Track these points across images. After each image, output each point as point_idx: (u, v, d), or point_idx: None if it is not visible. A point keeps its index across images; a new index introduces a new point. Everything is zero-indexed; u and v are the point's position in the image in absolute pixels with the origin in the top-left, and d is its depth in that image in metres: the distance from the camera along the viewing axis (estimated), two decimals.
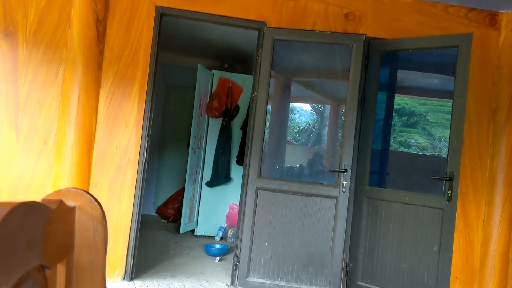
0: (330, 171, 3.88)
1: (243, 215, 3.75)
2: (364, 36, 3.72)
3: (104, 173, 3.62)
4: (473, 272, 4.03)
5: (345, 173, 3.67)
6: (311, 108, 5.85)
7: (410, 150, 6.44)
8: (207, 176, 5.72)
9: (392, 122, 4.64)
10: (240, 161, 5.62)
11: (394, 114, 4.72)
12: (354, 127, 3.71)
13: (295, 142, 5.74)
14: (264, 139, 3.88)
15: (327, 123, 5.11)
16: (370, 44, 3.87)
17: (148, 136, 3.71)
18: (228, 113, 5.72)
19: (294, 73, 4.82)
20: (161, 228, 5.91)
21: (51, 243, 0.91)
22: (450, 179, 3.43)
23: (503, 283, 4.01)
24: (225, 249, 4.81)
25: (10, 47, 3.50)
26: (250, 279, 3.70)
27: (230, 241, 5.35)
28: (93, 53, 3.54)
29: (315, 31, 3.82)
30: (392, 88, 4.42)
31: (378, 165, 4.24)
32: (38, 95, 3.53)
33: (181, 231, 5.49)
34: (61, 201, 0.97)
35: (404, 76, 4.72)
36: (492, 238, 3.99)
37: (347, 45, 3.79)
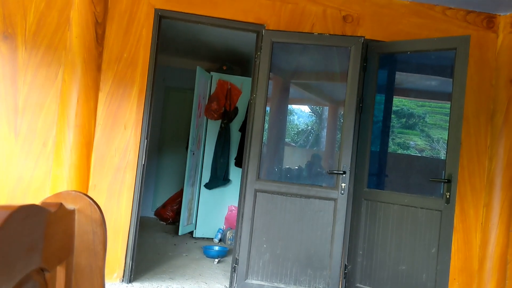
0: (328, 173, 3.88)
1: (242, 217, 3.76)
2: (363, 38, 3.74)
3: (103, 175, 3.62)
4: (471, 274, 4.04)
5: (344, 175, 3.67)
6: (309, 110, 5.86)
7: (408, 152, 6.45)
8: (206, 178, 5.73)
9: (391, 124, 4.66)
10: (238, 163, 5.62)
11: (392, 116, 4.74)
12: (353, 129, 3.72)
13: (293, 144, 5.75)
14: (263, 141, 3.88)
15: (326, 125, 5.12)
16: (368, 47, 3.88)
17: (147, 138, 3.71)
18: (226, 115, 5.73)
19: (293, 75, 4.83)
20: (160, 230, 5.91)
21: (50, 246, 0.92)
22: (449, 181, 3.44)
23: (501, 285, 4.02)
24: (224, 251, 4.81)
25: (9, 49, 3.51)
26: (248, 281, 3.70)
27: (229, 243, 5.36)
28: (92, 56, 3.55)
29: (313, 33, 3.83)
30: (390, 90, 4.44)
31: (376, 167, 4.25)
32: (37, 97, 3.53)
33: (179, 233, 5.49)
34: (61, 204, 0.97)
35: (403, 78, 4.73)
36: (490, 240, 4.00)
37: (345, 47, 3.80)
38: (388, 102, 4.40)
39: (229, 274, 3.87)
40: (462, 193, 4.00)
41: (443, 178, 3.53)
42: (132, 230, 3.67)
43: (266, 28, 3.86)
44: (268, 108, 4.35)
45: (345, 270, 3.84)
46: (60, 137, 3.51)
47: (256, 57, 3.85)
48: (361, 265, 3.81)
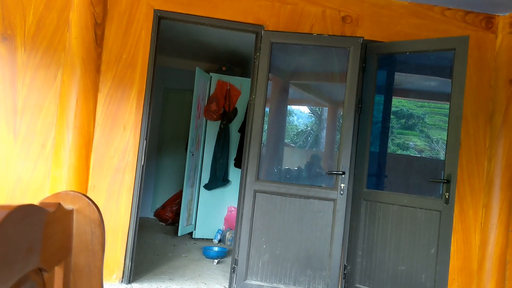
0: (328, 174, 3.89)
1: (241, 217, 3.76)
2: (362, 39, 3.74)
3: (102, 176, 3.62)
4: (471, 274, 4.04)
5: (343, 176, 3.68)
6: (309, 111, 5.86)
7: (408, 152, 6.46)
8: (205, 178, 5.73)
9: (390, 125, 4.66)
10: (238, 164, 5.62)
11: (392, 117, 4.74)
12: (352, 130, 3.72)
13: (293, 145, 5.75)
14: (262, 142, 3.88)
15: (325, 126, 5.12)
16: (367, 47, 3.88)
17: (146, 139, 3.72)
18: (226, 116, 5.73)
19: (292, 76, 4.83)
20: (159, 231, 5.90)
21: (49, 246, 0.92)
22: (448, 182, 3.45)
23: (501, 286, 4.02)
24: (223, 251, 4.81)
25: (8, 50, 3.51)
26: (248, 281, 3.70)
27: (228, 243, 5.36)
28: (92, 57, 3.55)
29: (312, 34, 3.83)
30: (389, 90, 4.44)
31: (376, 168, 4.25)
32: (36, 98, 3.54)
33: (179, 234, 5.49)
34: (59, 204, 0.98)
35: (402, 78, 4.73)
36: (489, 240, 4.00)
37: (344, 48, 3.80)
38: (387, 103, 4.40)
39: (229, 274, 3.87)
40: (461, 193, 4.01)
41: (442, 178, 3.53)
42: (132, 230, 3.66)
43: (265, 29, 3.86)
44: (267, 109, 4.35)
45: (344, 271, 3.84)
46: (59, 138, 3.51)
47: (255, 58, 3.85)
48: (361, 265, 3.81)
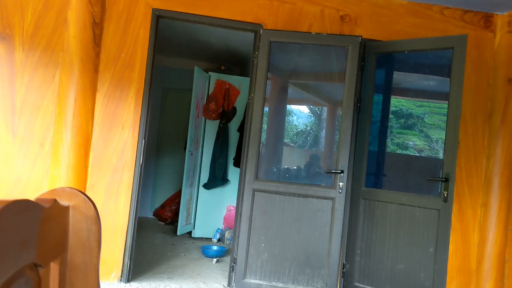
0: (326, 173, 3.89)
1: (240, 216, 3.76)
2: (360, 37, 3.74)
3: (100, 175, 3.62)
4: (469, 273, 4.04)
5: (342, 174, 3.68)
6: (308, 111, 5.86)
7: (407, 152, 6.46)
8: (204, 178, 5.73)
9: (389, 124, 4.66)
10: (237, 163, 5.62)
11: (391, 116, 4.74)
12: (351, 129, 3.72)
13: (292, 144, 5.76)
14: (262, 141, 3.89)
15: (325, 125, 5.12)
16: (366, 46, 3.88)
17: (144, 138, 3.72)
18: (225, 115, 5.73)
19: (291, 75, 4.83)
20: (159, 230, 5.90)
21: (44, 242, 0.92)
22: (446, 180, 3.45)
23: (500, 285, 4.02)
24: (222, 250, 4.81)
25: (7, 50, 3.51)
26: (247, 280, 3.70)
27: (228, 243, 5.36)
28: (90, 56, 3.55)
29: (311, 33, 3.83)
30: (388, 90, 4.44)
31: (374, 167, 4.25)
32: (35, 98, 3.53)
33: (178, 233, 5.49)
34: (55, 200, 0.98)
35: (400, 78, 4.73)
36: (488, 239, 4.00)
37: (343, 47, 3.81)
38: (386, 102, 4.40)
39: (228, 273, 3.87)
40: (460, 192, 4.01)
41: (440, 177, 3.53)
42: (130, 229, 3.66)
43: (264, 27, 3.87)
44: (266, 109, 4.35)
45: (343, 269, 3.84)
46: (57, 137, 3.51)
47: (254, 57, 3.85)
48: (359, 264, 3.81)
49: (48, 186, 3.49)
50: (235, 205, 4.95)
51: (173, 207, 6.26)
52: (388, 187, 4.25)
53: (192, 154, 5.64)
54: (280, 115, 4.84)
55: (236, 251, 3.75)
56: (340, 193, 3.68)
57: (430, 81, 4.88)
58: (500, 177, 3.99)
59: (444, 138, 3.59)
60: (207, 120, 5.77)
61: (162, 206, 6.46)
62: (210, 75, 5.82)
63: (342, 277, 3.85)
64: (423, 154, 6.47)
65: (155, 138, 6.81)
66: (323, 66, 4.48)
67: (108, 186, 3.63)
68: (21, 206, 0.81)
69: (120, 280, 3.63)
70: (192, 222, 5.72)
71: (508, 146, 4.02)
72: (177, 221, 5.65)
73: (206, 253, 4.74)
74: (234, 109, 5.82)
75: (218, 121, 5.75)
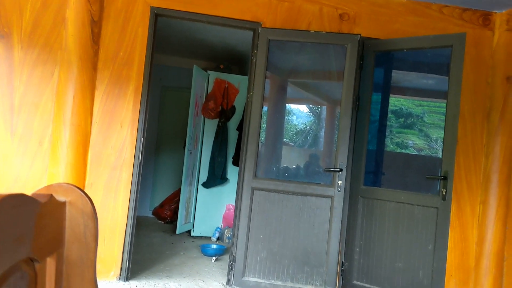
0: (325, 171, 3.89)
1: (239, 214, 3.76)
2: (359, 36, 3.74)
3: (99, 174, 3.62)
4: (468, 271, 4.04)
5: (340, 173, 3.68)
6: (308, 110, 5.86)
7: (407, 151, 6.46)
8: (203, 177, 5.73)
9: (389, 123, 4.67)
10: (236, 162, 5.62)
11: (391, 116, 4.75)
12: (349, 127, 3.72)
13: (292, 144, 5.75)
14: (261, 141, 3.89)
15: (324, 125, 5.12)
16: (364, 45, 3.88)
17: (143, 136, 3.72)
18: (224, 114, 5.73)
19: (290, 74, 4.83)
20: (158, 229, 5.90)
21: (41, 237, 0.92)
22: (445, 178, 3.45)
23: (498, 282, 4.03)
24: (222, 249, 4.81)
25: (5, 48, 3.50)
26: (246, 278, 3.71)
27: (227, 241, 5.36)
28: (88, 54, 3.55)
29: (309, 31, 3.83)
30: (387, 88, 4.44)
31: (373, 165, 4.25)
32: (33, 96, 3.53)
33: (177, 232, 5.49)
34: (51, 195, 0.98)
35: (399, 76, 4.74)
36: (487, 236, 4.00)
37: (341, 45, 3.80)
38: (385, 101, 4.41)
39: (227, 271, 3.87)
40: (459, 190, 4.01)
41: (439, 175, 3.53)
42: (129, 228, 3.66)
43: (262, 26, 3.86)
44: (265, 108, 4.35)
45: (342, 267, 3.84)
46: (56, 135, 3.50)
47: (252, 55, 3.85)
48: (358, 262, 3.82)
49: (46, 184, 3.48)
50: (234, 203, 4.96)
51: (172, 206, 6.26)
52: (387, 186, 4.25)
53: (191, 153, 5.64)
54: (279, 114, 4.84)
55: (235, 249, 3.76)
56: (339, 191, 3.68)
57: (429, 80, 4.88)
58: (499, 175, 4.00)
59: (443, 136, 3.60)
60: (206, 119, 5.77)
61: (161, 205, 6.46)
62: (209, 74, 5.82)
63: (341, 275, 3.85)
64: (422, 153, 6.47)
65: (154, 137, 6.81)
66: (322, 64, 4.48)
67: (107, 184, 3.63)
68: (17, 200, 0.81)
69: (119, 278, 3.63)
70: (191, 221, 5.72)
71: (507, 143, 4.02)
72: (176, 220, 5.65)
73: (205, 252, 4.74)
74: (233, 108, 5.82)
75: (217, 120, 5.75)
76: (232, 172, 5.76)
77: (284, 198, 3.75)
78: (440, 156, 3.55)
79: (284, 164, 4.81)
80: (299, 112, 5.78)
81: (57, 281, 1.01)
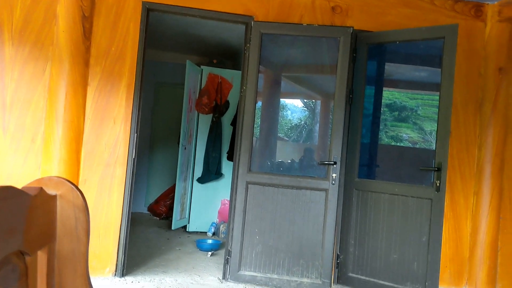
0: (319, 164, 3.90)
1: (234, 209, 3.76)
2: (352, 28, 3.74)
3: (93, 170, 3.61)
4: (462, 262, 4.07)
5: (334, 166, 3.68)
6: (302, 105, 5.87)
7: (402, 144, 6.48)
8: (198, 172, 5.72)
9: (384, 117, 4.67)
10: (231, 157, 5.62)
11: (385, 109, 4.75)
12: (343, 120, 3.72)
13: (287, 138, 5.76)
14: (255, 136, 3.88)
15: (318, 119, 5.12)
16: (357, 37, 3.88)
17: (136, 132, 3.70)
18: (218, 109, 5.72)
19: (284, 68, 4.83)
20: (153, 225, 5.90)
21: (32, 230, 0.92)
22: (438, 169, 3.46)
23: (493, 273, 4.06)
24: (217, 244, 4.82)
25: None
26: (241, 272, 3.71)
27: (222, 236, 5.36)
28: (80, 50, 3.53)
29: (302, 24, 3.83)
30: (380, 81, 4.45)
31: (367, 158, 4.26)
32: (25, 93, 3.51)
33: (172, 228, 5.49)
34: (41, 188, 0.97)
35: (392, 69, 4.74)
36: (481, 227, 4.03)
37: (334, 38, 3.80)
38: (378, 94, 4.41)
39: (222, 266, 3.87)
40: (452, 182, 4.03)
41: (433, 166, 3.54)
42: (124, 224, 3.66)
43: (255, 19, 3.85)
44: (260, 103, 4.35)
45: (337, 260, 3.86)
46: (49, 132, 3.49)
47: (245, 49, 3.84)
48: (353, 254, 3.83)
49: None
50: (229, 198, 4.95)
51: (168, 202, 6.25)
52: (381, 178, 4.26)
53: (185, 148, 5.63)
54: (273, 108, 4.83)
55: (230, 243, 3.76)
56: (333, 184, 3.68)
57: (421, 72, 4.89)
58: (492, 166, 4.02)
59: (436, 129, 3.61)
60: (200, 114, 5.75)
61: (157, 201, 6.46)
62: (202, 69, 5.80)
63: (336, 267, 3.86)
64: (417, 146, 6.49)
65: (148, 133, 6.79)
66: (315, 58, 4.47)
67: (101, 181, 3.62)
68: (6, 193, 0.80)
69: (115, 274, 3.63)
70: (187, 216, 5.72)
71: (499, 134, 4.04)
72: (171, 216, 5.64)
73: (201, 247, 4.74)
74: (227, 103, 5.80)
75: (211, 115, 5.74)
76: (227, 167, 5.75)
77: (278, 192, 3.75)
78: (434, 148, 3.55)
79: (279, 158, 4.81)
80: (294, 107, 5.78)
81: (48, 274, 1.00)
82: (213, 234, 5.58)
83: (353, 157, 3.88)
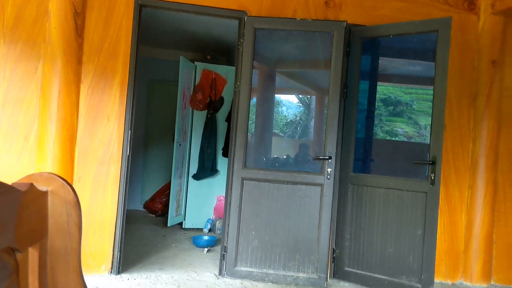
0: (314, 159, 3.90)
1: (229, 205, 3.76)
2: (345, 23, 3.73)
3: (87, 168, 3.59)
4: (458, 255, 4.08)
5: (330, 160, 3.68)
6: (297, 101, 5.87)
7: (397, 139, 6.49)
8: (194, 169, 5.71)
9: (379, 112, 4.68)
10: (226, 153, 5.60)
11: (380, 104, 4.76)
12: (337, 115, 3.72)
13: (282, 134, 5.76)
14: (251, 132, 3.88)
15: (314, 115, 5.13)
16: (351, 31, 3.88)
17: (130, 129, 3.68)
18: (212, 105, 5.70)
19: (278, 64, 4.82)
20: (149, 222, 5.89)
21: (22, 226, 0.91)
22: (433, 163, 3.47)
23: (488, 265, 4.08)
24: (213, 240, 4.81)
25: None
26: (238, 268, 3.71)
27: (219, 232, 5.36)
28: (72, 47, 3.50)
29: (295, 19, 3.82)
30: (374, 75, 4.45)
31: (362, 153, 4.27)
32: (18, 91, 3.48)
33: (168, 225, 5.48)
34: (31, 184, 0.96)
35: (387, 63, 4.74)
36: (475, 220, 4.05)
37: (328, 32, 3.79)
38: (373, 88, 4.41)
39: (219, 262, 3.87)
40: (447, 175, 4.04)
41: (427, 160, 3.55)
42: (119, 221, 3.64)
43: (248, 14, 3.83)
44: (254, 99, 4.34)
45: (333, 254, 3.86)
46: (42, 130, 3.46)
47: (239, 45, 3.82)
48: (349, 249, 3.84)
49: None
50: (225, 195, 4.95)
51: (163, 199, 6.24)
52: (376, 172, 4.27)
53: (180, 145, 5.62)
54: (268, 104, 4.83)
55: (226, 239, 3.76)
56: (328, 179, 3.68)
57: (415, 66, 4.89)
58: (486, 159, 4.03)
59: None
60: (194, 110, 5.74)
61: (152, 199, 6.44)
62: (196, 65, 5.78)
63: (332, 262, 3.87)
64: (412, 141, 6.50)
65: (143, 130, 6.76)
66: (309, 53, 4.47)
67: (95, 179, 3.60)
68: None
69: (111, 272, 3.62)
70: (183, 213, 5.71)
71: (493, 127, 4.05)
72: (167, 213, 5.63)
73: (197, 243, 4.74)
74: (222, 99, 5.79)
75: (206, 111, 5.72)
76: (222, 163, 5.74)
77: (274, 187, 3.75)
78: (429, 142, 3.56)
79: (274, 154, 4.81)
80: (289, 103, 5.78)
81: (40, 271, 0.99)
82: (209, 230, 5.57)
83: (348, 152, 3.88)
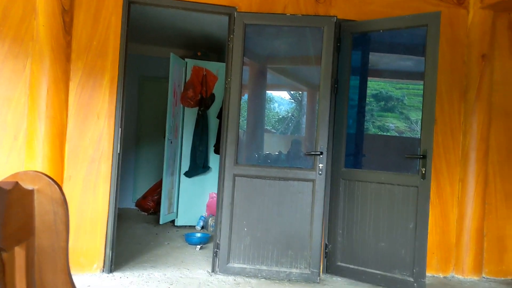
0: (306, 155, 3.90)
1: (221, 202, 3.75)
2: (335, 18, 3.73)
3: (77, 167, 3.56)
4: (449, 248, 4.11)
5: (321, 156, 3.69)
6: (289, 97, 5.86)
7: (388, 134, 6.51)
8: (185, 166, 5.69)
9: (370, 107, 4.68)
10: (218, 150, 5.59)
11: (371, 100, 4.76)
12: (328, 110, 3.72)
13: (274, 131, 5.75)
14: (243, 128, 3.86)
15: (305, 111, 5.12)
16: (341, 27, 3.87)
17: (121, 127, 3.66)
18: (203, 102, 5.68)
19: (269, 60, 4.80)
20: (141, 220, 5.86)
21: (8, 226, 0.89)
22: (424, 157, 3.48)
23: (479, 258, 4.11)
24: (206, 237, 4.80)
25: None
26: (230, 265, 3.71)
27: (211, 229, 5.35)
28: (61, 45, 3.46)
29: (285, 14, 3.81)
30: (365, 71, 4.45)
31: (354, 148, 4.27)
32: (6, 90, 3.44)
33: (160, 222, 5.46)
34: (17, 182, 0.95)
35: (377, 59, 4.74)
36: (467, 213, 4.08)
37: (318, 28, 3.79)
38: (364, 84, 4.42)
39: (211, 259, 3.86)
40: (438, 169, 4.06)
41: (419, 154, 3.56)
42: (111, 220, 3.62)
43: (238, 10, 3.82)
44: (246, 96, 4.32)
45: (325, 250, 3.87)
46: (31, 129, 3.43)
47: (229, 41, 3.81)
48: (341, 244, 3.85)
49: None
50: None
51: (155, 197, 6.21)
52: (368, 167, 4.28)
53: (171, 142, 5.59)
54: (260, 101, 4.82)
55: (219, 236, 3.75)
56: (320, 174, 3.69)
57: (406, 61, 4.90)
58: (477, 152, 4.06)
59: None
60: (185, 107, 5.71)
61: (144, 197, 6.42)
62: (186, 62, 5.75)
63: (325, 257, 3.88)
64: (403, 135, 6.52)
65: (134, 128, 6.73)
66: (300, 49, 4.46)
67: (86, 177, 3.58)
68: None
69: (103, 270, 3.60)
70: (175, 210, 5.69)
71: (484, 121, 4.08)
72: (159, 211, 5.61)
73: (190, 241, 4.73)
74: (213, 95, 5.77)
75: (197, 108, 5.70)
76: (214, 160, 5.73)
77: (266, 183, 3.75)
78: (420, 137, 3.57)
79: (266, 151, 4.80)
80: (281, 99, 5.77)
81: (28, 270, 0.98)
82: (202, 227, 5.56)
83: (339, 147, 3.89)
